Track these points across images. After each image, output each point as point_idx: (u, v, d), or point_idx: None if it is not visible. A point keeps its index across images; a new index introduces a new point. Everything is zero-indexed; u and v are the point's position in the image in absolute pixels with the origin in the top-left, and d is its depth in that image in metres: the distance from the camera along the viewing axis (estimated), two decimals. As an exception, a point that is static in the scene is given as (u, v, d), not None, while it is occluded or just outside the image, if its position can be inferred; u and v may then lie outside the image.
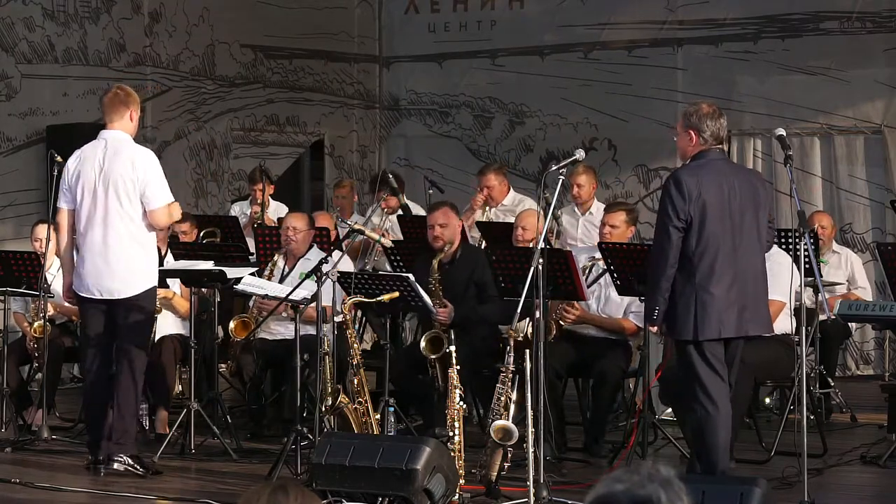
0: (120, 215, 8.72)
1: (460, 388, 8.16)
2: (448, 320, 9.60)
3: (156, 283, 8.95)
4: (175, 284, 10.14)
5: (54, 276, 10.54)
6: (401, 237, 11.49)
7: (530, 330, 8.62)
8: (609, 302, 9.49)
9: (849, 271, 11.48)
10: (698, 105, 7.67)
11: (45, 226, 10.39)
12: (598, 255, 9.27)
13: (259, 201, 12.24)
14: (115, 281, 8.74)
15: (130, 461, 8.68)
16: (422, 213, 12.01)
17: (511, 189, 12.08)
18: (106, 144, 8.85)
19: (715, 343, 7.49)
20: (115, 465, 8.67)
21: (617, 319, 9.46)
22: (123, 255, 8.73)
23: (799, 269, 7.71)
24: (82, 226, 8.81)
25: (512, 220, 10.87)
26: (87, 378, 9.01)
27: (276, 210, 12.42)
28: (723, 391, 7.48)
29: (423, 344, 9.43)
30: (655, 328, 7.66)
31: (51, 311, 10.38)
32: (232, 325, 10.19)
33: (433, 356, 9.38)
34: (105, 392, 8.77)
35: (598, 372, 9.26)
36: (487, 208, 11.89)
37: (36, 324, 10.31)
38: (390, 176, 12.13)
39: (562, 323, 9.37)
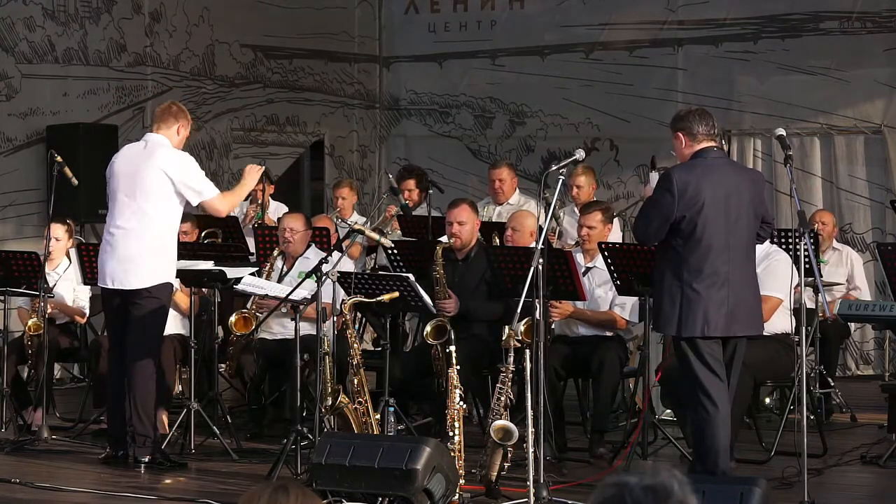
0: (143, 210, 8.85)
1: (460, 388, 8.16)
2: (453, 311, 9.61)
3: (171, 280, 9.03)
4: (176, 282, 10.14)
5: (59, 275, 10.54)
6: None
7: (522, 328, 8.62)
8: (593, 297, 9.48)
9: (848, 269, 11.48)
10: (679, 109, 7.79)
11: (55, 226, 10.41)
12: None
13: (259, 201, 12.23)
14: (129, 270, 8.84)
15: (154, 458, 8.85)
16: (421, 213, 12.02)
17: (518, 190, 12.08)
18: (145, 145, 9.06)
19: (712, 342, 7.46)
20: (142, 464, 8.87)
21: (605, 312, 9.47)
22: (141, 247, 8.84)
23: (799, 269, 7.69)
24: (110, 217, 8.99)
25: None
26: (108, 370, 9.22)
27: (276, 210, 12.41)
28: (722, 391, 7.45)
29: (427, 329, 9.44)
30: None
31: (51, 310, 10.37)
32: (232, 319, 10.19)
33: (436, 342, 9.38)
34: (122, 386, 8.88)
35: (598, 363, 9.22)
36: (492, 207, 11.89)
37: (31, 321, 10.31)
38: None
39: (552, 325, 9.35)
